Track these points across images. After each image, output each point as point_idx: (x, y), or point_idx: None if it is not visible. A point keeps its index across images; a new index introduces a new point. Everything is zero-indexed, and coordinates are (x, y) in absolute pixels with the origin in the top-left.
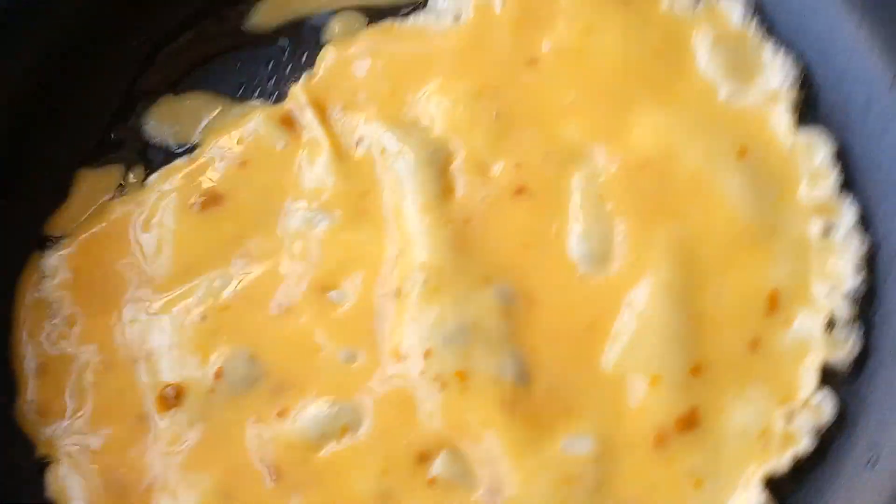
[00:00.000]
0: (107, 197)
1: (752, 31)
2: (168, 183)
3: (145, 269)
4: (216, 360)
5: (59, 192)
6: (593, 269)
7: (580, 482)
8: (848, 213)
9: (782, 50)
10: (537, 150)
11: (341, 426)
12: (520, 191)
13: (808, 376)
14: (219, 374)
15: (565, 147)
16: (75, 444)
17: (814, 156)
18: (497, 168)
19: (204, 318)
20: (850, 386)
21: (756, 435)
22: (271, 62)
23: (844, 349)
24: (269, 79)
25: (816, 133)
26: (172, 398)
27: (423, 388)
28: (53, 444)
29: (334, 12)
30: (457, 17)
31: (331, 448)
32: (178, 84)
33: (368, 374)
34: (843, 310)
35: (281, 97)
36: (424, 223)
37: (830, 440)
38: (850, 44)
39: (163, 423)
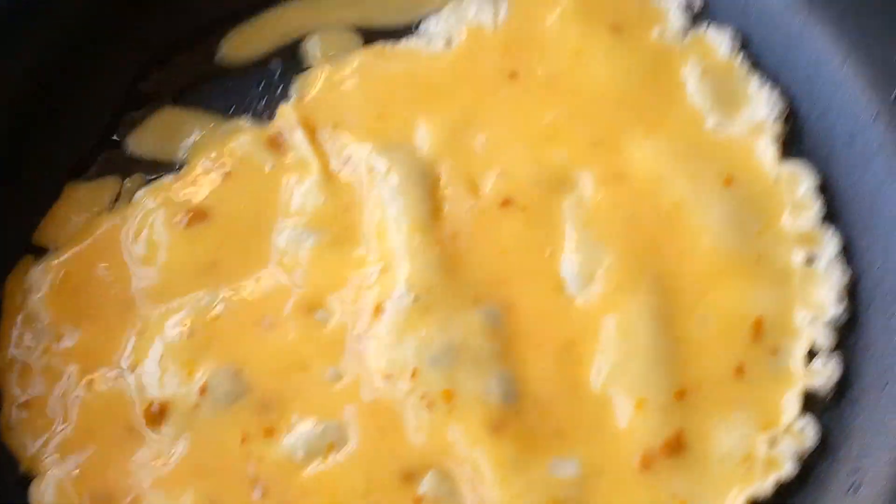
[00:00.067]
0: (94, 211)
1: (739, 63)
2: (155, 199)
3: (132, 284)
4: (201, 375)
5: (54, 195)
6: (580, 291)
7: None
8: (830, 244)
9: (768, 83)
10: (525, 173)
11: (327, 444)
12: (506, 203)
13: (791, 402)
14: (203, 390)
15: (553, 170)
16: (60, 459)
17: (798, 187)
18: (485, 187)
19: (191, 334)
20: (833, 412)
21: (740, 459)
22: (262, 83)
23: (826, 376)
24: (260, 98)
25: (801, 165)
26: (157, 413)
27: (409, 408)
28: (38, 458)
29: (326, 34)
30: (448, 42)
31: (317, 466)
32: (172, 97)
33: (355, 392)
34: (826, 338)
35: (271, 117)
36: (413, 243)
37: (813, 465)
38: (835, 78)
39: (149, 438)
